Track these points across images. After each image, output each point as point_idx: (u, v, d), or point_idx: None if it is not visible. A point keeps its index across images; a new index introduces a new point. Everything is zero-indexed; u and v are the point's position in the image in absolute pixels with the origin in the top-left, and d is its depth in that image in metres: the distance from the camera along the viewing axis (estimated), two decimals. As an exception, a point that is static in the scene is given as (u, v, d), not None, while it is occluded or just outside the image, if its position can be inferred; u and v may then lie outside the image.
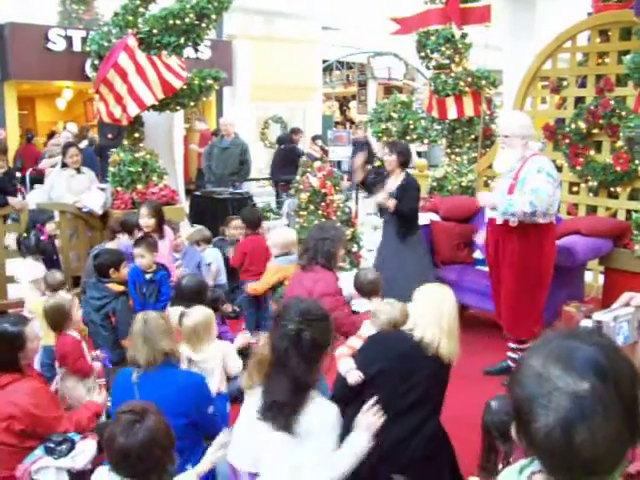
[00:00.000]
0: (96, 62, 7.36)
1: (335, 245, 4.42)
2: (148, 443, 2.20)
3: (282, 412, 2.40)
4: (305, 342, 2.40)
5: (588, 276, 6.47)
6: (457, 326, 3.23)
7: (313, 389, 2.47)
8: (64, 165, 7.36)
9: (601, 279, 6.51)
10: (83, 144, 11.35)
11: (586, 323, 1.40)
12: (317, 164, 7.74)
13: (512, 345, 5.28)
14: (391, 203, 5.66)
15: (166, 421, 2.35)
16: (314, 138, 12.04)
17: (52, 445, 3.34)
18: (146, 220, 5.60)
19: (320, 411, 2.49)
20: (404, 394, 3.16)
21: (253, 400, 2.71)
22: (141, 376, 3.25)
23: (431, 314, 3.18)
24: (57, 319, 4.08)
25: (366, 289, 4.37)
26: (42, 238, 6.26)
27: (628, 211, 6.49)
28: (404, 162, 5.89)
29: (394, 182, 5.83)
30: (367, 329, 3.75)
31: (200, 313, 3.88)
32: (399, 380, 3.14)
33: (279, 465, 2.48)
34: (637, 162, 6.23)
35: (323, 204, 7.73)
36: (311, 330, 2.42)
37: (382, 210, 6.00)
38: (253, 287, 5.64)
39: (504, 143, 4.84)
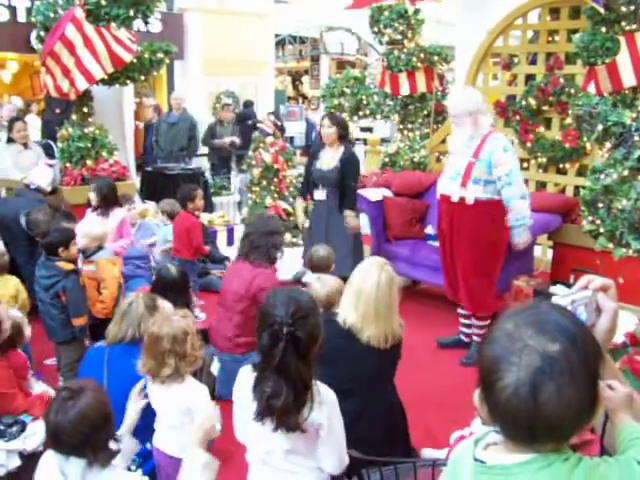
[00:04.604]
0: (42, 34, 7.11)
1: (280, 236, 4.77)
2: (77, 421, 2.20)
3: (287, 415, 2.33)
4: (301, 342, 2.31)
5: (537, 251, 6.59)
6: (384, 308, 3.13)
7: (311, 384, 2.40)
8: (10, 140, 7.15)
9: (550, 253, 6.64)
10: (30, 118, 11.04)
11: None
12: (270, 139, 7.71)
13: (464, 321, 5.36)
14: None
15: (104, 400, 2.34)
16: (269, 114, 11.91)
17: (2, 427, 3.30)
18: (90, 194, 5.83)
19: (328, 397, 2.48)
20: (344, 379, 3.13)
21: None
22: (111, 349, 3.33)
23: (349, 298, 3.18)
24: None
25: (318, 265, 4.55)
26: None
27: (576, 187, 6.62)
28: (343, 135, 5.89)
29: (333, 154, 5.81)
30: None
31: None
32: (333, 364, 3.11)
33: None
34: (585, 139, 6.34)
35: (275, 180, 7.71)
36: (305, 328, 2.32)
37: (316, 183, 5.93)
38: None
39: (454, 123, 4.93)
